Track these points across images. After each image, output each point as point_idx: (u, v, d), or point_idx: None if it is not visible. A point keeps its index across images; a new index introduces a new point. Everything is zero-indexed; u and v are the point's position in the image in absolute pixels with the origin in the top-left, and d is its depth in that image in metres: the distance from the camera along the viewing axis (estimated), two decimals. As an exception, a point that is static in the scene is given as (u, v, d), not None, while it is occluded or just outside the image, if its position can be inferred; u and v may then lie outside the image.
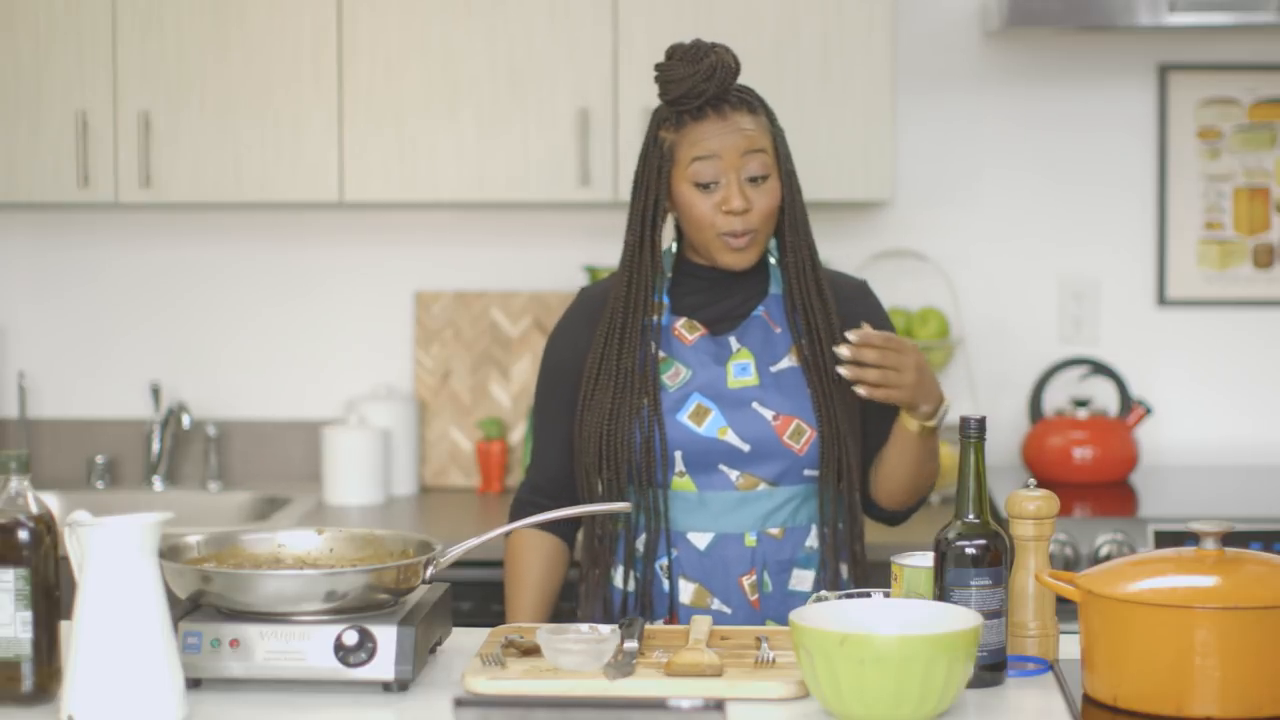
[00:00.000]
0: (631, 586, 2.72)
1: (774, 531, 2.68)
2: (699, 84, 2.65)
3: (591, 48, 3.92)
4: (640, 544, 2.71)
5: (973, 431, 2.30)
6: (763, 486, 2.68)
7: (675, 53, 2.69)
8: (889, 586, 2.38)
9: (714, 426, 2.67)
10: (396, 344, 4.35)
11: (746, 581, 2.67)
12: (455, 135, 3.94)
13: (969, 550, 2.25)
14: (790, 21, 3.90)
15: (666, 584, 2.69)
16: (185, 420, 4.20)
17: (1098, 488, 4.04)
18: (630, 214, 2.74)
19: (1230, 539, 2.21)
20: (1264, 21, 3.84)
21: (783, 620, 2.64)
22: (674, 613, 2.69)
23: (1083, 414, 4.10)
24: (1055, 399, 4.23)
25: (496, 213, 4.29)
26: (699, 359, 2.70)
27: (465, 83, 3.94)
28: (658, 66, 2.70)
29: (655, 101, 3.90)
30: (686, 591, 2.68)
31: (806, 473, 2.69)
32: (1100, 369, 4.16)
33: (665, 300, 2.74)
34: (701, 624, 2.38)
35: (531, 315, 4.28)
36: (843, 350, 2.55)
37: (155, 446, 4.25)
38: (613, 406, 2.68)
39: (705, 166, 2.66)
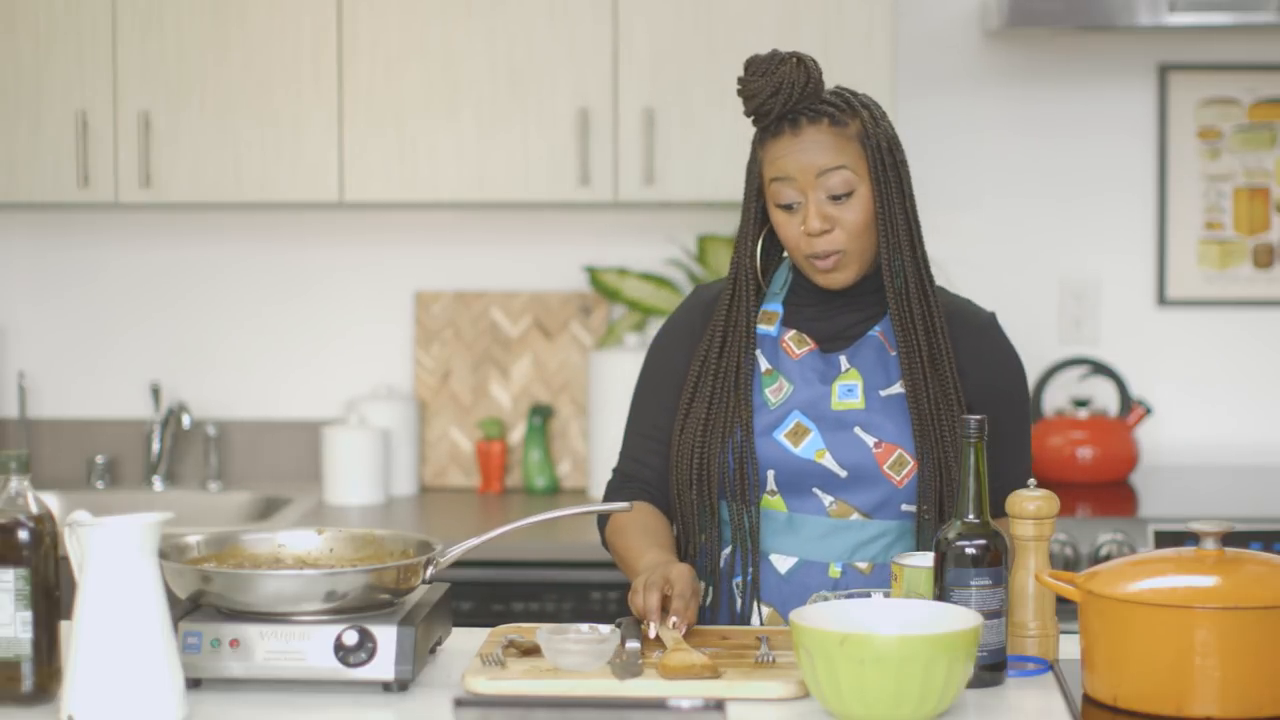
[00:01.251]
0: (708, 601, 2.62)
1: (861, 566, 2.56)
2: (765, 101, 2.53)
3: (591, 48, 3.92)
4: (721, 560, 2.61)
5: (973, 432, 2.29)
6: (856, 517, 2.55)
7: (750, 65, 2.56)
8: (889, 587, 2.38)
9: (811, 448, 2.55)
10: (396, 344, 4.35)
11: None
12: (455, 135, 3.94)
13: (969, 550, 2.25)
14: (790, 22, 3.90)
15: (740, 603, 2.59)
16: (185, 420, 4.20)
17: (1098, 488, 4.04)
18: (739, 225, 2.65)
19: (1230, 539, 2.21)
20: (1264, 21, 3.84)
21: None
22: None
23: (1083, 414, 4.11)
24: (1055, 399, 4.23)
25: (496, 213, 4.29)
26: (804, 375, 2.59)
27: (465, 83, 3.94)
28: (739, 79, 2.58)
29: (655, 101, 3.91)
30: (761, 614, 2.58)
31: (904, 507, 2.56)
32: (1100, 369, 4.17)
33: (779, 309, 2.64)
34: (669, 633, 2.36)
35: (531, 315, 4.28)
36: None
37: (155, 446, 4.25)
38: (707, 423, 2.59)
39: (782, 188, 2.55)
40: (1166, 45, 4.23)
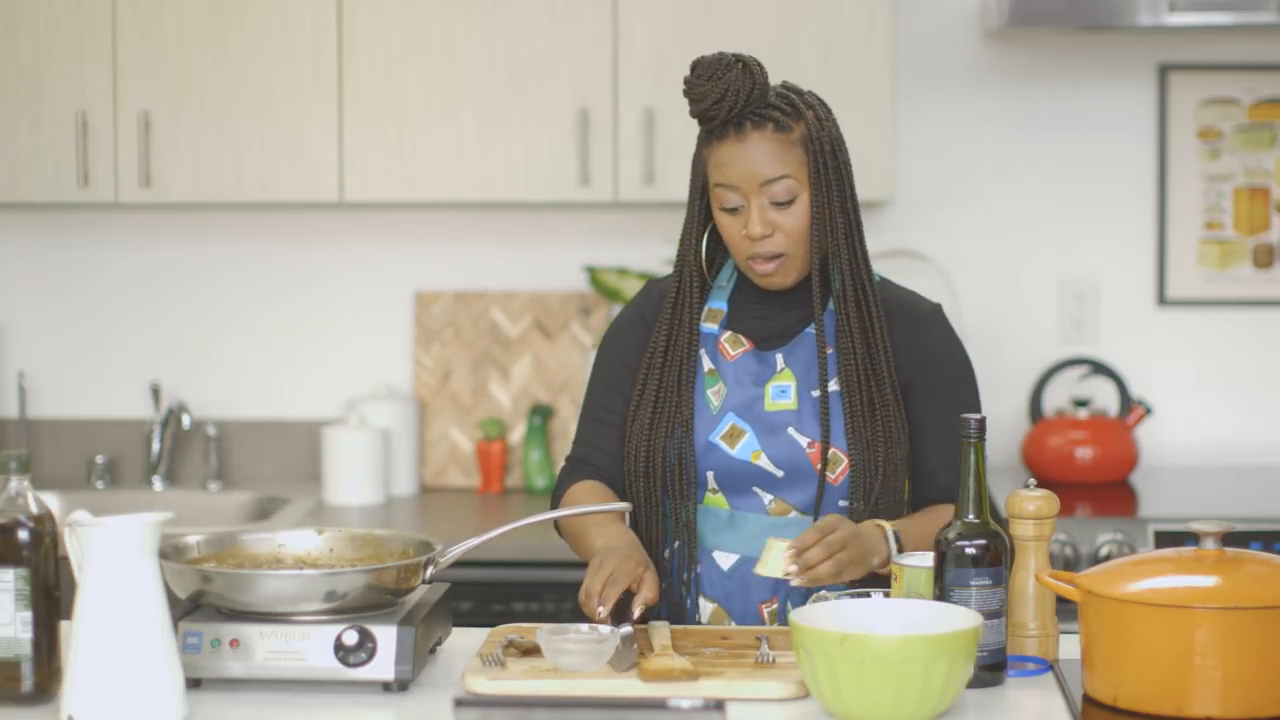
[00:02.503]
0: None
1: None
2: (711, 106, 2.55)
3: (591, 48, 3.92)
4: (667, 556, 2.64)
5: (973, 432, 2.30)
6: (794, 514, 2.59)
7: (697, 68, 2.58)
8: (889, 586, 2.38)
9: (747, 449, 2.59)
10: (396, 344, 4.35)
11: (766, 609, 2.59)
12: (455, 135, 3.94)
13: (969, 550, 2.25)
14: (790, 22, 3.90)
15: (687, 600, 2.63)
16: (185, 420, 4.20)
17: (1098, 488, 4.04)
18: (684, 221, 2.69)
19: (1230, 539, 2.21)
20: (1264, 21, 3.84)
21: None
22: None
23: (1083, 414, 4.10)
24: (1055, 399, 4.23)
25: (496, 213, 4.29)
26: (738, 378, 2.63)
27: (465, 83, 3.94)
28: (685, 80, 2.60)
29: (655, 102, 3.91)
30: (705, 610, 2.61)
31: (842, 503, 2.59)
32: (1100, 369, 4.16)
33: (724, 307, 2.68)
34: (662, 630, 2.37)
35: (531, 315, 4.28)
36: (791, 568, 2.37)
37: (155, 446, 4.25)
38: (653, 419, 2.63)
39: (726, 193, 2.58)
40: (1166, 45, 4.23)
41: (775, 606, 2.59)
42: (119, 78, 3.95)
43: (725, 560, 2.61)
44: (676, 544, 2.64)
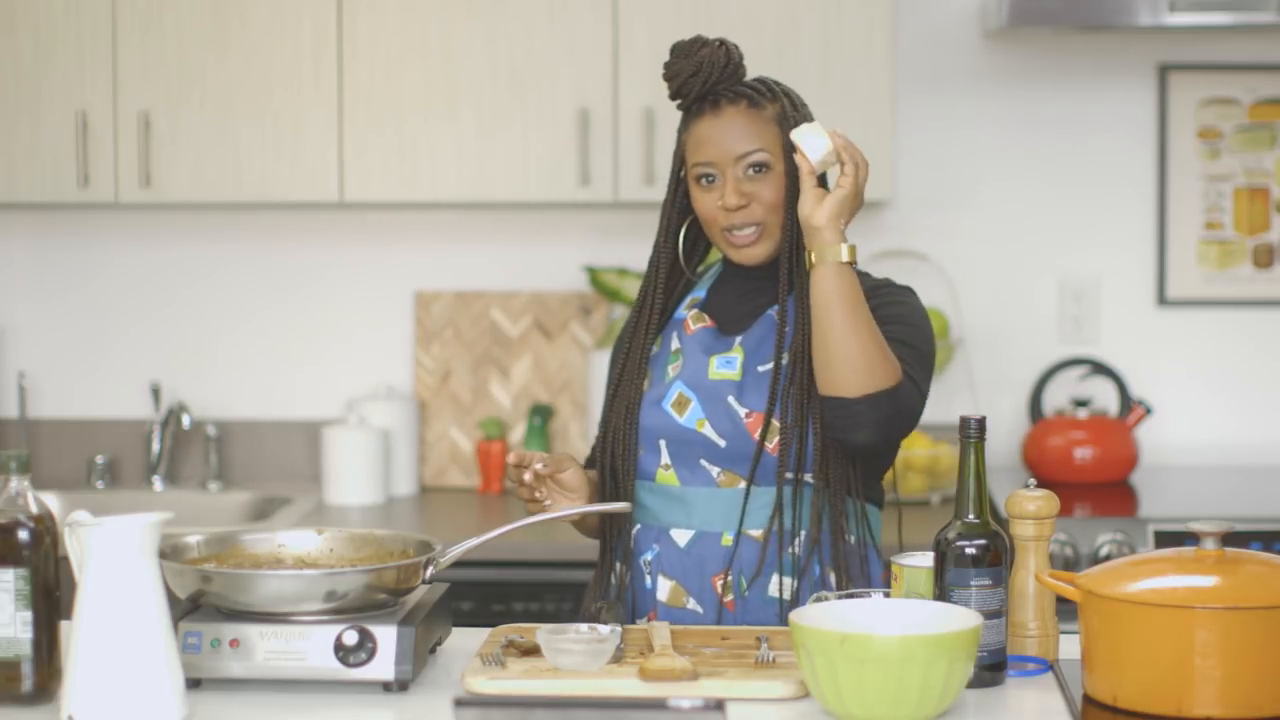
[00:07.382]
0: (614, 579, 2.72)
1: (754, 533, 2.61)
2: (686, 80, 2.65)
3: (591, 48, 3.92)
4: (627, 539, 2.69)
5: (973, 432, 2.30)
6: (743, 485, 2.62)
7: (674, 49, 2.69)
8: (888, 587, 2.39)
9: (693, 418, 2.64)
10: (396, 344, 4.35)
11: (719, 582, 2.61)
12: (455, 135, 3.94)
13: (969, 550, 2.25)
14: (790, 22, 3.90)
15: (649, 580, 2.67)
16: (185, 420, 4.20)
17: (1098, 488, 4.04)
18: (661, 214, 2.75)
19: (1230, 539, 2.21)
20: (1264, 21, 3.84)
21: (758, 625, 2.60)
22: (654, 610, 2.65)
23: (1083, 414, 4.11)
24: (1055, 399, 4.23)
25: (496, 213, 4.29)
26: (691, 349, 2.69)
27: (465, 83, 3.94)
28: (664, 65, 2.70)
29: (655, 102, 3.91)
30: (664, 589, 2.64)
31: (788, 474, 2.61)
32: (1100, 369, 4.17)
33: (703, 295, 2.74)
34: (661, 630, 2.38)
35: (531, 315, 4.28)
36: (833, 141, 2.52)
37: (155, 446, 4.25)
38: (614, 400, 2.70)
39: (703, 166, 2.65)
40: (1166, 45, 4.23)
41: (730, 579, 2.61)
42: (119, 78, 3.95)
43: (682, 537, 2.65)
44: (639, 526, 2.68)
